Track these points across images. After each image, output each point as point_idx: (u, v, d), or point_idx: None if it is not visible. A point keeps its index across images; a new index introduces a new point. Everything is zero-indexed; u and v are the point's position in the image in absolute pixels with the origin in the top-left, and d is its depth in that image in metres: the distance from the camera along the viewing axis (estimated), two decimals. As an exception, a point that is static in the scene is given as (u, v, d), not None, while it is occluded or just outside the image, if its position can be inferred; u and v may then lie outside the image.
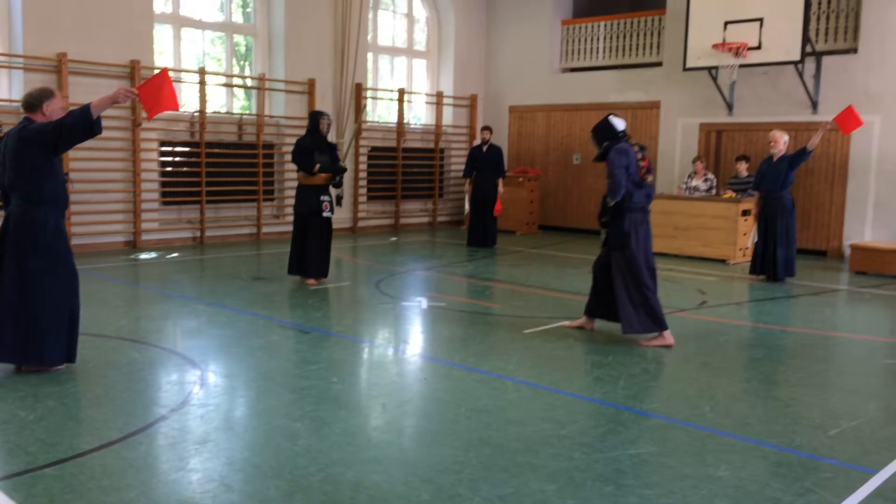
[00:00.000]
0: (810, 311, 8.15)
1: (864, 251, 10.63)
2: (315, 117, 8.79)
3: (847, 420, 4.66)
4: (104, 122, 11.67)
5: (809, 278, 9.92)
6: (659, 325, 6.46)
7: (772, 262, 9.60)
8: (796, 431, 4.46)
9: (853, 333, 7.12)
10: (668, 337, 6.44)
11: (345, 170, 8.98)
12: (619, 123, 6.53)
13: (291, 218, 13.46)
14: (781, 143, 9.60)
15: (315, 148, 8.64)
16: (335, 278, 9.83)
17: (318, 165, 8.57)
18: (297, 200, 8.88)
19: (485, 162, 12.60)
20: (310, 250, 8.70)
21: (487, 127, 13.02)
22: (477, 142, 16.56)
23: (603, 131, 6.56)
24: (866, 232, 11.83)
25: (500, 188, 12.52)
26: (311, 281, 8.77)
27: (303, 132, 13.57)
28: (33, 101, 5.13)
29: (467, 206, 12.81)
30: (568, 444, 4.16)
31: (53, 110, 5.16)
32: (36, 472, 3.66)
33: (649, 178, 6.54)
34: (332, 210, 8.79)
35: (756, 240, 9.82)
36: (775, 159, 9.60)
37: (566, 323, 7.01)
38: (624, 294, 6.40)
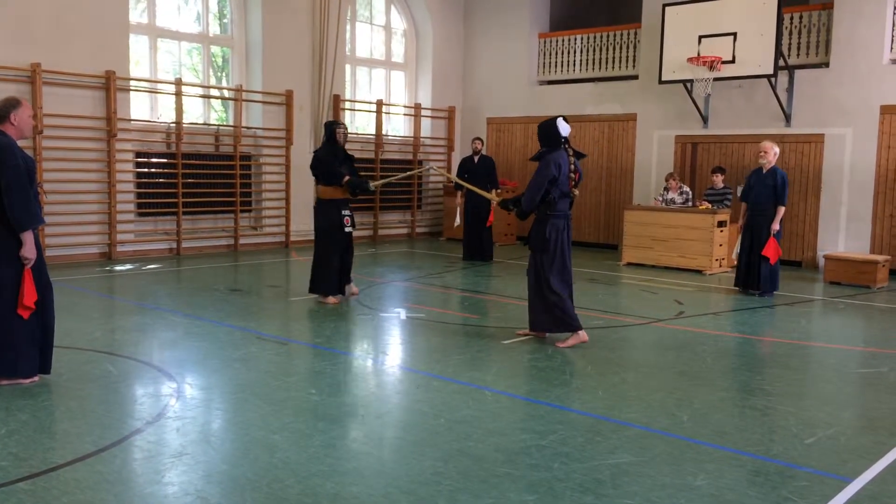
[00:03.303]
0: (786, 321, 8.23)
1: (838, 262, 10.76)
2: (330, 127, 8.49)
3: (823, 429, 4.71)
4: (79, 133, 11.59)
5: (785, 289, 10.02)
6: (568, 326, 6.60)
7: (756, 275, 9.47)
8: (773, 440, 4.49)
9: (828, 343, 7.19)
10: (583, 335, 6.64)
11: (372, 192, 8.66)
12: (564, 129, 6.54)
13: (269, 230, 13.55)
14: (771, 154, 9.39)
15: (334, 158, 8.34)
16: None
17: (346, 178, 8.25)
18: (317, 215, 8.52)
19: (476, 173, 12.32)
20: (328, 267, 8.36)
21: (478, 138, 12.84)
22: (457, 154, 16.63)
23: (548, 133, 6.59)
24: (840, 242, 11.99)
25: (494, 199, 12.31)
26: (334, 300, 8.43)
27: (280, 143, 13.69)
28: (0, 113, 5.06)
29: (458, 220, 12.57)
30: (547, 455, 4.16)
31: (22, 119, 5.10)
32: (8, 487, 3.60)
33: (575, 192, 6.63)
34: (352, 224, 8.48)
35: (739, 251, 9.70)
36: (765, 171, 9.43)
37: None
38: (536, 294, 6.63)
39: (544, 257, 6.59)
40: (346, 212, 8.42)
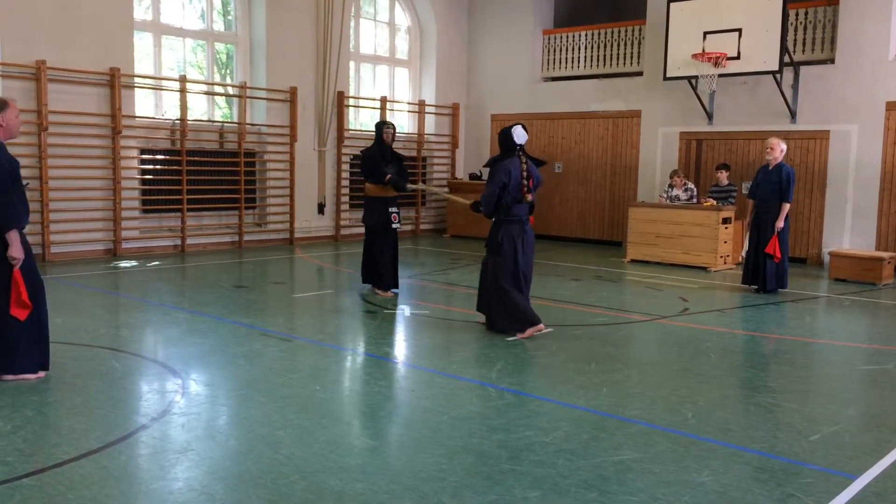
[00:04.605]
0: (790, 317, 8.21)
1: (843, 258, 10.73)
2: (378, 128, 8.77)
3: (827, 425, 4.70)
4: (84, 129, 11.61)
5: (790, 285, 9.98)
6: (524, 324, 6.76)
7: (762, 273, 9.42)
8: (777, 437, 4.49)
9: (833, 340, 7.18)
10: (540, 325, 6.82)
11: (405, 189, 8.76)
12: (520, 137, 6.74)
13: (273, 227, 13.58)
14: (778, 150, 9.34)
15: (381, 158, 8.57)
16: (318, 286, 9.82)
17: (388, 176, 8.47)
18: (365, 212, 8.82)
19: None
20: (381, 261, 8.67)
21: None
22: (461, 151, 16.63)
23: (503, 141, 6.83)
24: (845, 239, 11.96)
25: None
26: (387, 293, 8.74)
27: (284, 140, 13.71)
28: None
29: None
30: (551, 451, 4.16)
31: (9, 120, 5.11)
32: (14, 483, 3.61)
33: (529, 198, 6.74)
34: (399, 221, 8.76)
35: (747, 249, 9.63)
36: (771, 167, 9.36)
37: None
38: (493, 295, 6.84)
39: (497, 260, 6.81)
40: (394, 209, 8.68)
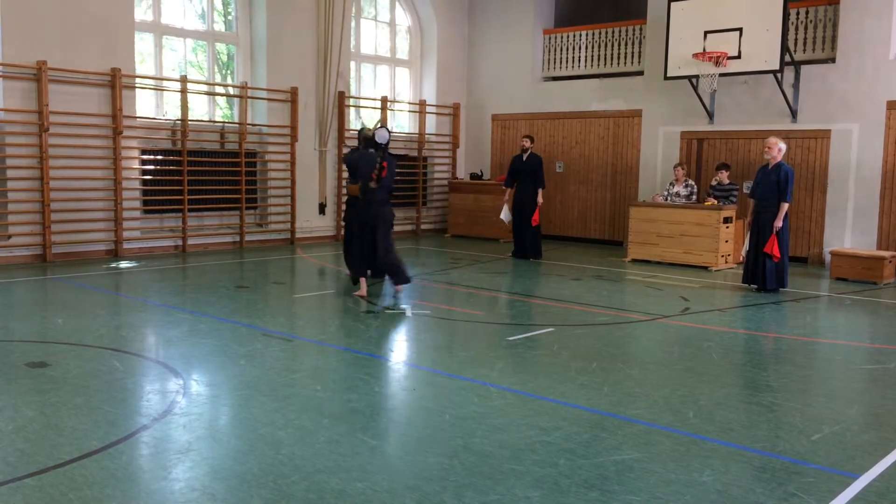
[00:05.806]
0: (792, 317, 8.21)
1: (844, 258, 10.72)
2: (358, 133, 9.50)
3: (829, 425, 4.70)
4: (85, 130, 11.64)
5: (791, 285, 9.98)
6: (354, 278, 8.81)
7: (762, 272, 9.41)
8: (779, 436, 4.49)
9: (834, 339, 7.18)
10: (362, 287, 8.58)
11: (368, 184, 8.94)
12: (381, 138, 8.38)
13: (274, 227, 13.62)
14: (776, 149, 9.32)
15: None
16: (319, 286, 9.82)
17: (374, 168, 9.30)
18: (345, 211, 9.81)
19: (525, 171, 12.35)
20: (357, 253, 9.28)
21: (528, 136, 12.73)
22: (462, 150, 16.64)
23: (366, 138, 8.69)
24: (846, 238, 11.95)
25: (540, 199, 12.33)
26: (361, 286, 9.43)
27: (285, 140, 13.74)
28: None
29: (506, 217, 12.51)
30: (552, 451, 4.16)
31: None
32: (15, 483, 3.61)
33: (371, 185, 8.37)
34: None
35: (748, 248, 9.65)
36: (770, 166, 9.37)
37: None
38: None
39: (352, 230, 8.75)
40: None
